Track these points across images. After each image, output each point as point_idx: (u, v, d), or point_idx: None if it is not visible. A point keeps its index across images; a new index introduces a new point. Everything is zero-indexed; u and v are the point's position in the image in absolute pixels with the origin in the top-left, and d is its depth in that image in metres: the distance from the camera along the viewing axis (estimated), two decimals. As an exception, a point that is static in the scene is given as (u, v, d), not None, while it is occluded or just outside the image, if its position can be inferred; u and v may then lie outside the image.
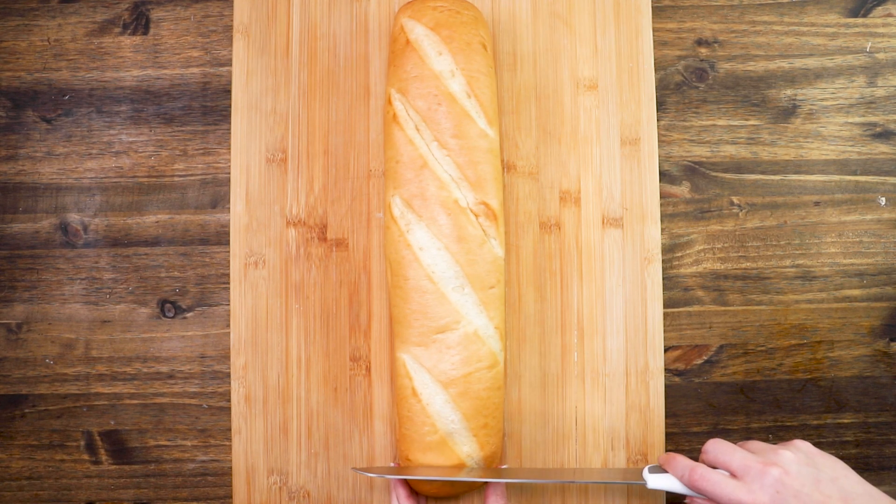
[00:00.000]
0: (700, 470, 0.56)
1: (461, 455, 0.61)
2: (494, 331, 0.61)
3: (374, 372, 0.68)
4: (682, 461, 0.58)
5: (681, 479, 0.57)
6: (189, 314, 0.70)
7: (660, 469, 0.60)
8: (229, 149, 0.70)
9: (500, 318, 0.62)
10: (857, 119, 0.71)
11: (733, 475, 0.55)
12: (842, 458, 0.68)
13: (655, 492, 0.66)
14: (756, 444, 0.58)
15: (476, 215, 0.61)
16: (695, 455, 0.66)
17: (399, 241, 0.62)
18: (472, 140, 0.62)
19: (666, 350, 0.69)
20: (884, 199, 0.70)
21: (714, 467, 0.57)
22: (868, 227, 0.70)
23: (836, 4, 0.72)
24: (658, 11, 0.71)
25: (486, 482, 0.63)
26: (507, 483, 0.65)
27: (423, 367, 0.60)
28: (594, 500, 0.66)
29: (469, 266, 0.61)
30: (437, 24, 0.63)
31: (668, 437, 0.68)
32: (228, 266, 0.69)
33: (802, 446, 0.56)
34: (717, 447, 0.57)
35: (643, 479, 0.59)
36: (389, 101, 0.64)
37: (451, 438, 0.60)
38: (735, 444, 0.58)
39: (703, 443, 0.68)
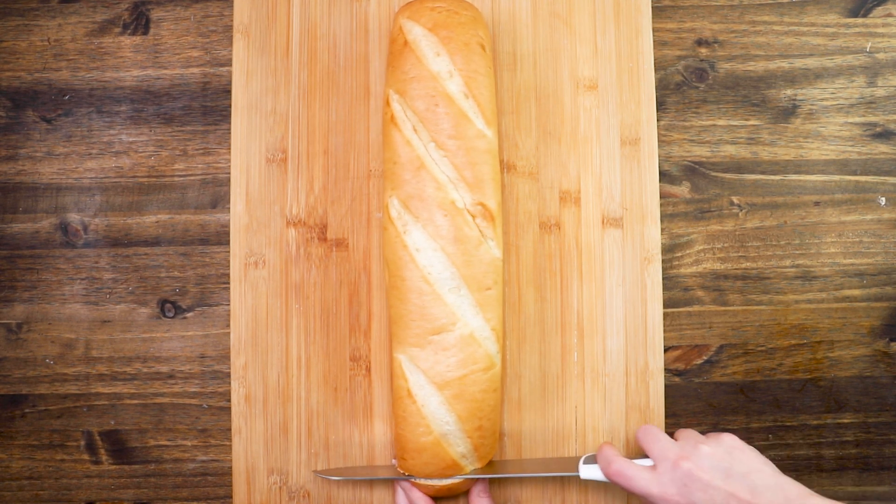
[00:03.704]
0: (615, 464, 0.59)
1: (455, 456, 0.61)
2: (491, 332, 0.61)
3: (374, 372, 0.68)
4: (605, 452, 0.60)
5: (601, 470, 0.60)
6: (189, 314, 0.70)
7: (594, 459, 0.62)
8: (229, 149, 0.70)
9: (497, 320, 0.62)
10: (857, 119, 0.71)
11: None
12: (841, 457, 0.69)
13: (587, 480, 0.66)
14: (686, 434, 0.60)
15: (473, 216, 0.61)
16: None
17: (396, 242, 0.62)
18: (470, 141, 0.62)
19: (666, 350, 0.69)
20: (884, 199, 0.70)
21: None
22: (868, 227, 0.70)
23: (836, 4, 0.72)
24: (658, 11, 0.71)
25: (472, 481, 0.63)
26: (497, 479, 0.66)
27: (419, 369, 0.60)
28: (594, 493, 0.66)
29: (465, 267, 0.61)
30: (436, 25, 0.63)
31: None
32: (228, 266, 0.69)
33: (726, 440, 0.58)
34: (644, 434, 0.60)
35: (577, 471, 0.62)
36: (388, 103, 0.64)
37: (445, 440, 0.60)
38: (668, 431, 0.61)
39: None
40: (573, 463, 0.64)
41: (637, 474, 0.58)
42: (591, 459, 0.62)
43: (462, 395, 0.60)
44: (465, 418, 0.60)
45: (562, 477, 0.66)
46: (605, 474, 0.60)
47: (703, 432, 0.69)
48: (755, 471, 0.55)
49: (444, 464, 0.61)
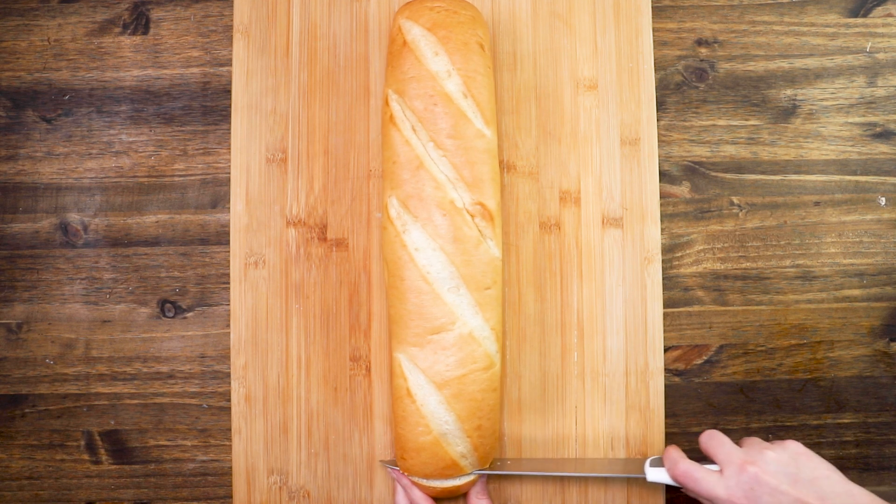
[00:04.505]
0: (682, 466, 0.59)
1: (455, 456, 0.61)
2: (490, 332, 0.61)
3: (374, 372, 0.68)
4: (672, 454, 0.60)
5: (668, 472, 0.60)
6: (189, 314, 0.70)
7: (660, 462, 0.62)
8: (229, 149, 0.70)
9: (496, 320, 0.62)
10: (857, 119, 0.71)
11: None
12: (841, 457, 0.69)
13: (654, 483, 0.66)
14: (751, 441, 0.60)
15: (472, 216, 0.61)
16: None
17: (395, 242, 0.62)
18: (469, 140, 0.62)
19: (666, 350, 0.69)
20: (884, 199, 0.70)
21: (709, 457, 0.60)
22: (868, 227, 0.70)
23: (836, 4, 0.72)
24: (658, 11, 0.71)
25: (470, 482, 0.63)
26: (497, 480, 0.66)
27: (418, 368, 0.60)
28: (594, 490, 0.66)
29: (464, 267, 0.60)
30: (434, 25, 0.63)
31: (668, 437, 0.68)
32: (228, 266, 0.69)
33: (791, 446, 0.58)
34: (710, 439, 0.60)
35: (643, 473, 0.62)
36: (387, 102, 0.64)
37: (444, 439, 0.60)
38: (733, 438, 0.60)
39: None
40: (639, 465, 0.63)
41: (705, 477, 0.58)
42: (658, 462, 0.62)
43: (461, 394, 0.60)
44: (464, 418, 0.60)
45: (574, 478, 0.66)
46: (672, 476, 0.60)
47: (703, 432, 0.69)
48: (823, 477, 0.55)
49: (444, 463, 0.61)
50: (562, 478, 0.66)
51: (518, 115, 0.70)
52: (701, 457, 0.61)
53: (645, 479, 0.61)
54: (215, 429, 0.69)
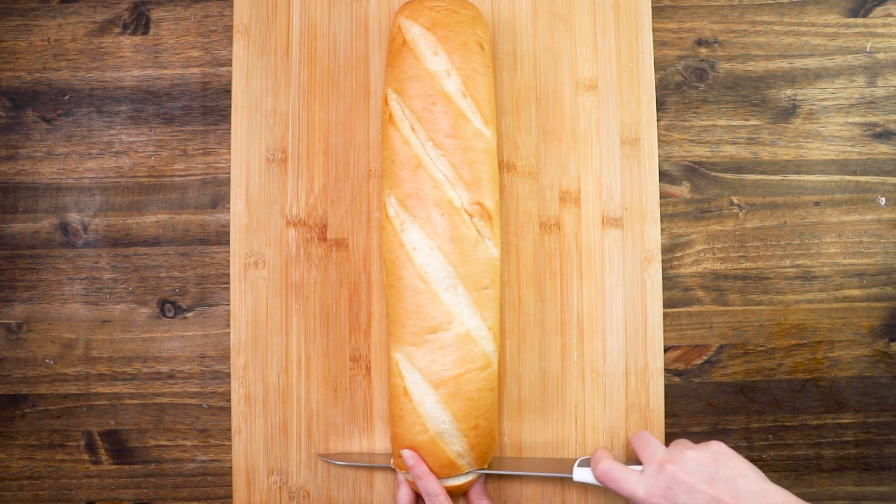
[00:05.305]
0: (602, 465, 0.60)
1: (451, 455, 0.61)
2: (488, 332, 0.61)
3: (373, 372, 0.68)
4: (597, 454, 0.62)
5: (591, 471, 0.61)
6: (189, 314, 0.70)
7: (589, 462, 0.63)
8: (229, 149, 0.70)
9: (494, 319, 0.62)
10: (857, 119, 0.71)
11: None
12: (841, 457, 0.69)
13: (581, 483, 0.67)
14: (677, 442, 0.60)
15: (470, 215, 0.61)
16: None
17: (393, 241, 0.62)
18: (468, 140, 0.62)
19: (666, 350, 0.69)
20: (884, 199, 0.70)
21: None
22: (868, 227, 0.70)
23: (836, 4, 0.72)
24: (658, 11, 0.71)
25: (469, 482, 0.63)
26: (496, 480, 0.66)
27: (416, 367, 0.60)
28: (594, 494, 0.66)
29: (462, 266, 0.61)
30: (434, 24, 0.63)
31: (668, 437, 0.68)
32: (228, 266, 0.70)
33: (713, 446, 0.58)
34: (636, 439, 0.62)
35: (571, 473, 0.63)
36: (386, 102, 0.64)
37: (441, 438, 0.60)
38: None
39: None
40: (569, 465, 0.64)
41: (624, 476, 0.59)
42: (587, 462, 0.63)
43: (458, 393, 0.60)
44: (461, 417, 0.60)
45: (560, 478, 0.66)
46: (594, 475, 0.61)
47: (702, 433, 0.69)
48: (740, 476, 0.56)
49: (441, 462, 0.61)
50: (562, 479, 0.66)
51: (518, 115, 0.70)
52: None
53: (572, 479, 0.62)
54: (215, 429, 0.69)
